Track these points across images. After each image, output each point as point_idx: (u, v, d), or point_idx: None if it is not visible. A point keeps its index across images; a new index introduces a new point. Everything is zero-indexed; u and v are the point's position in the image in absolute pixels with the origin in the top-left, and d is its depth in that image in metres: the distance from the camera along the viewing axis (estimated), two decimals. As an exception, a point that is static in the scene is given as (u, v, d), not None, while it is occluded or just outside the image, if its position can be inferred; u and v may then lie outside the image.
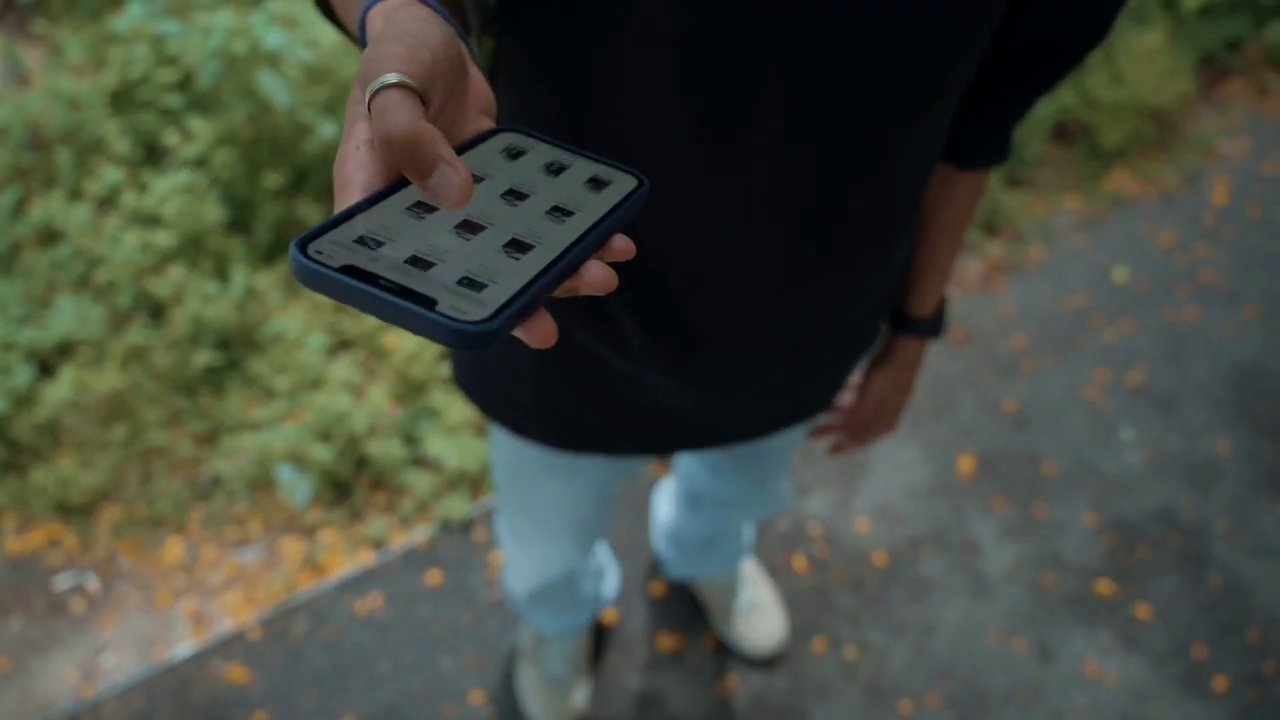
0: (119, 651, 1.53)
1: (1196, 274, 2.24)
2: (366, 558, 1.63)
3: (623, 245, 0.35)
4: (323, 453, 1.65)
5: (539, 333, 0.32)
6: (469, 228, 0.33)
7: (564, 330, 0.72)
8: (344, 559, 1.63)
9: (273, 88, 1.80)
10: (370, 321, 1.84)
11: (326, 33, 1.92)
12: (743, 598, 1.55)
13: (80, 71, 2.02)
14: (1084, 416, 1.94)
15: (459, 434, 1.72)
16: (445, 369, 1.79)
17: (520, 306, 0.30)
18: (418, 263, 0.31)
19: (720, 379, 0.72)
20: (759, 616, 1.55)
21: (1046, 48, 0.63)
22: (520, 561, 1.15)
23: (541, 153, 0.39)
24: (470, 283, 0.31)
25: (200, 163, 1.89)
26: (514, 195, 0.36)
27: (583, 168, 0.39)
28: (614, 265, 0.64)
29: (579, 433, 0.82)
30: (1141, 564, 1.74)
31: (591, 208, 0.36)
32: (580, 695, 1.46)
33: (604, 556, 1.36)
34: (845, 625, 1.62)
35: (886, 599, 1.65)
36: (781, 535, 1.71)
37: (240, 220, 1.93)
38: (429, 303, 0.29)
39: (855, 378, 0.93)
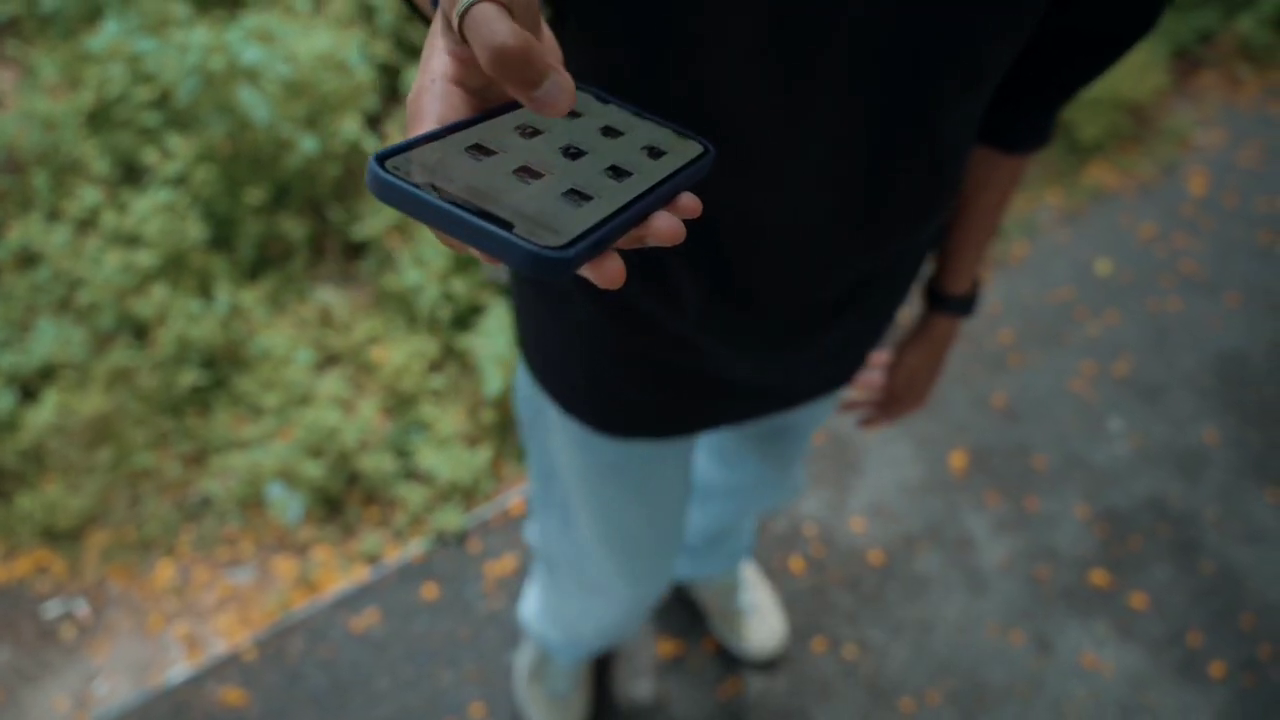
0: (112, 678, 1.51)
1: (1177, 264, 2.26)
2: (361, 574, 1.62)
3: (690, 203, 0.35)
4: (313, 469, 1.64)
5: (608, 271, 0.31)
6: (527, 174, 0.33)
7: (621, 294, 0.72)
8: (338, 576, 1.61)
9: (251, 103, 1.78)
10: (359, 335, 1.82)
11: (304, 47, 1.91)
12: (741, 600, 1.54)
13: (55, 92, 2.00)
14: (1072, 409, 1.95)
15: (450, 446, 1.71)
16: (436, 381, 1.78)
17: (595, 240, 0.31)
18: (494, 191, 0.31)
19: (768, 341, 0.73)
20: (758, 619, 1.55)
21: (1094, 38, 0.64)
22: (567, 608, 1.14)
23: (605, 112, 0.39)
24: (570, 197, 0.31)
25: (180, 181, 1.87)
26: (571, 151, 0.36)
27: (649, 130, 0.39)
28: None
29: (622, 410, 0.82)
30: (1134, 554, 1.75)
31: (658, 167, 0.37)
32: (584, 709, 1.46)
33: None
34: (844, 625, 1.62)
35: (884, 597, 1.66)
36: (777, 537, 1.71)
37: (222, 237, 1.92)
38: (506, 226, 0.29)
39: (884, 355, 0.95)
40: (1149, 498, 1.83)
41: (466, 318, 1.86)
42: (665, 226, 0.33)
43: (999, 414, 1.93)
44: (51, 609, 1.57)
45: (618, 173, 0.35)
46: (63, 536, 1.64)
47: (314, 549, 1.64)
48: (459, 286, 1.81)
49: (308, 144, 1.85)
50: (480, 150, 0.33)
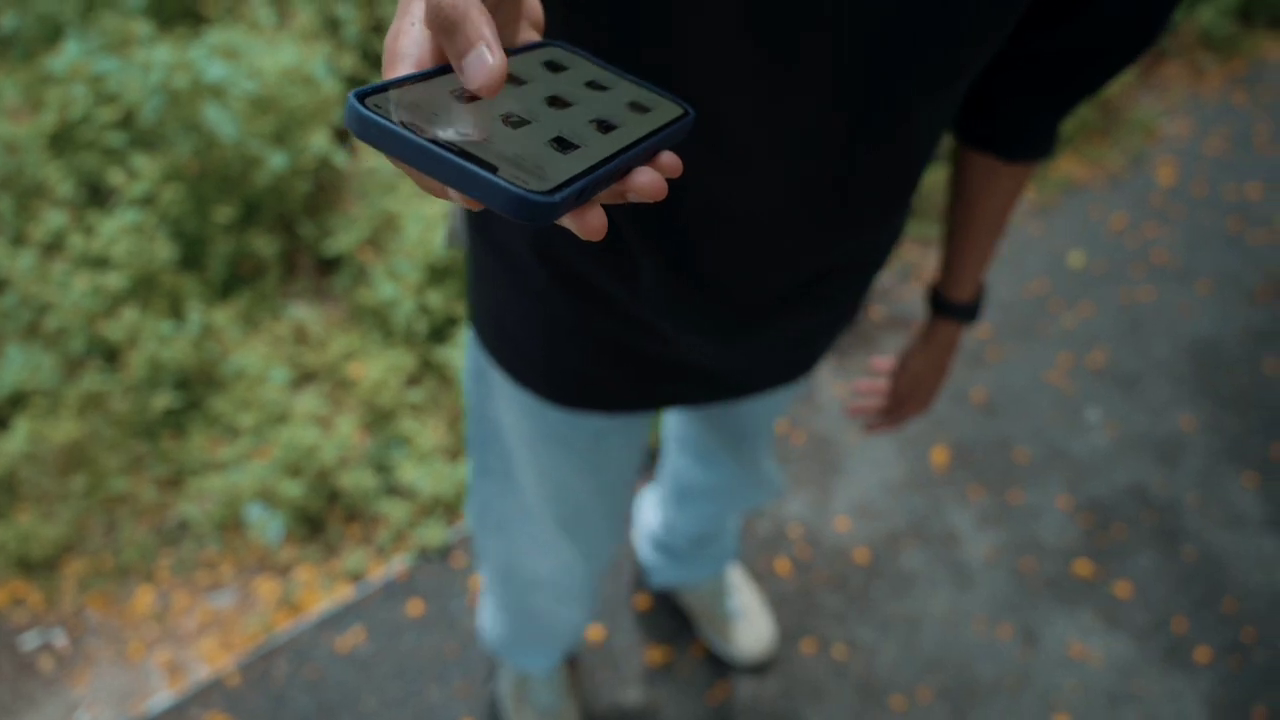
0: (94, 708, 1.48)
1: (1149, 254, 2.28)
2: (344, 592, 1.60)
3: (671, 161, 0.35)
4: (292, 488, 1.62)
5: (591, 221, 0.31)
6: (514, 121, 0.33)
7: (579, 269, 0.72)
8: (321, 595, 1.59)
9: (218, 121, 1.76)
10: (335, 351, 1.80)
11: (270, 62, 1.89)
12: (729, 604, 1.54)
13: (16, 114, 1.97)
14: (1050, 401, 1.97)
15: (431, 460, 1.69)
16: (415, 395, 1.76)
17: (580, 188, 0.30)
18: (477, 134, 0.31)
19: (722, 327, 0.73)
20: (746, 622, 1.54)
21: (1095, 53, 0.64)
22: (504, 583, 1.12)
23: (584, 69, 0.39)
24: (530, 159, 0.31)
25: (147, 201, 1.85)
26: (557, 102, 0.36)
27: (628, 89, 0.39)
28: (641, 203, 0.64)
29: (575, 383, 0.82)
30: (1117, 542, 1.76)
31: (641, 123, 0.36)
32: (576, 715, 1.45)
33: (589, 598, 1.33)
34: (833, 625, 1.62)
35: (871, 595, 1.66)
36: (763, 539, 1.71)
37: (192, 257, 1.89)
38: (490, 168, 0.29)
39: (889, 361, 0.96)
40: (1129, 486, 1.84)
41: (443, 330, 1.84)
42: (647, 181, 0.33)
43: (978, 409, 1.94)
44: (29, 640, 1.54)
45: (602, 126, 0.35)
46: (38, 566, 1.61)
47: (296, 569, 1.62)
48: (434, 299, 1.80)
49: (276, 160, 1.83)
50: (463, 95, 0.32)
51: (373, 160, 2.04)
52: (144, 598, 1.59)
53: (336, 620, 1.56)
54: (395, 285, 1.80)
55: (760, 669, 1.55)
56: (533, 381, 0.83)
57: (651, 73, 0.56)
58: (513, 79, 0.35)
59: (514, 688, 1.43)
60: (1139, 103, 2.67)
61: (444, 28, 0.30)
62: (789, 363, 0.85)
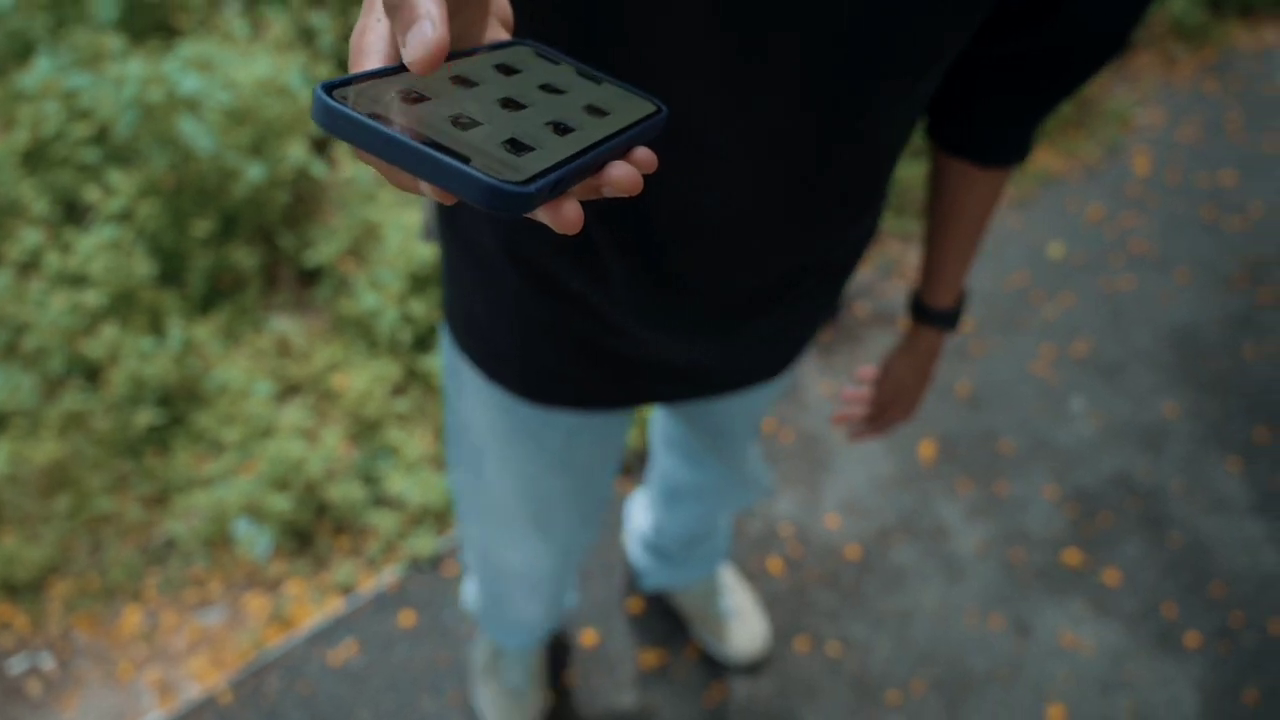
0: (82, 732, 1.47)
1: (1127, 243, 2.30)
2: (335, 605, 1.59)
3: (645, 156, 0.35)
4: (280, 502, 1.61)
5: (566, 214, 0.30)
6: (512, 105, 0.32)
7: (550, 269, 0.71)
8: (312, 609, 1.58)
9: (194, 134, 1.75)
10: (319, 363, 1.79)
11: (244, 73, 1.88)
12: (722, 605, 1.54)
13: (-12, 133, 1.94)
14: (1034, 392, 1.98)
15: (419, 470, 1.68)
16: (400, 405, 1.76)
17: (555, 179, 0.29)
18: (450, 123, 0.30)
19: (693, 327, 0.73)
20: (740, 622, 1.54)
21: (1068, 56, 0.65)
22: (488, 558, 1.12)
23: (562, 67, 0.39)
24: (509, 146, 0.30)
25: (124, 217, 1.83)
26: (551, 89, 0.35)
27: (602, 86, 0.38)
28: (606, 201, 0.64)
29: (548, 380, 0.82)
30: (1104, 531, 1.77)
31: (613, 119, 0.36)
32: (540, 705, 1.45)
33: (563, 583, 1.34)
34: (826, 622, 1.62)
35: (863, 592, 1.66)
36: (754, 539, 1.71)
37: (171, 272, 1.87)
38: (463, 159, 0.28)
39: (872, 369, 0.96)
40: (1115, 474, 1.86)
41: (427, 339, 1.84)
42: (622, 175, 0.33)
43: (964, 402, 1.95)
44: (16, 665, 1.52)
45: (576, 120, 0.34)
46: (23, 589, 1.59)
47: (285, 584, 1.61)
48: (417, 308, 1.79)
49: (254, 172, 1.82)
50: (439, 85, 0.32)
51: (352, 170, 2.03)
52: (132, 617, 1.57)
53: (328, 634, 1.55)
54: (378, 295, 1.79)
55: (755, 668, 1.55)
56: (504, 377, 0.83)
57: (619, 74, 0.56)
58: (484, 74, 0.35)
59: (486, 658, 1.45)
60: (1112, 93, 2.69)
61: (390, 8, 0.29)
62: (764, 360, 0.85)
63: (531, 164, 0.30)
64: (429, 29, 0.29)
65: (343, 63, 2.15)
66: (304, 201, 2.02)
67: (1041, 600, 1.67)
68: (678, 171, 0.60)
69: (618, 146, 0.34)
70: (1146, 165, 2.51)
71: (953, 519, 1.76)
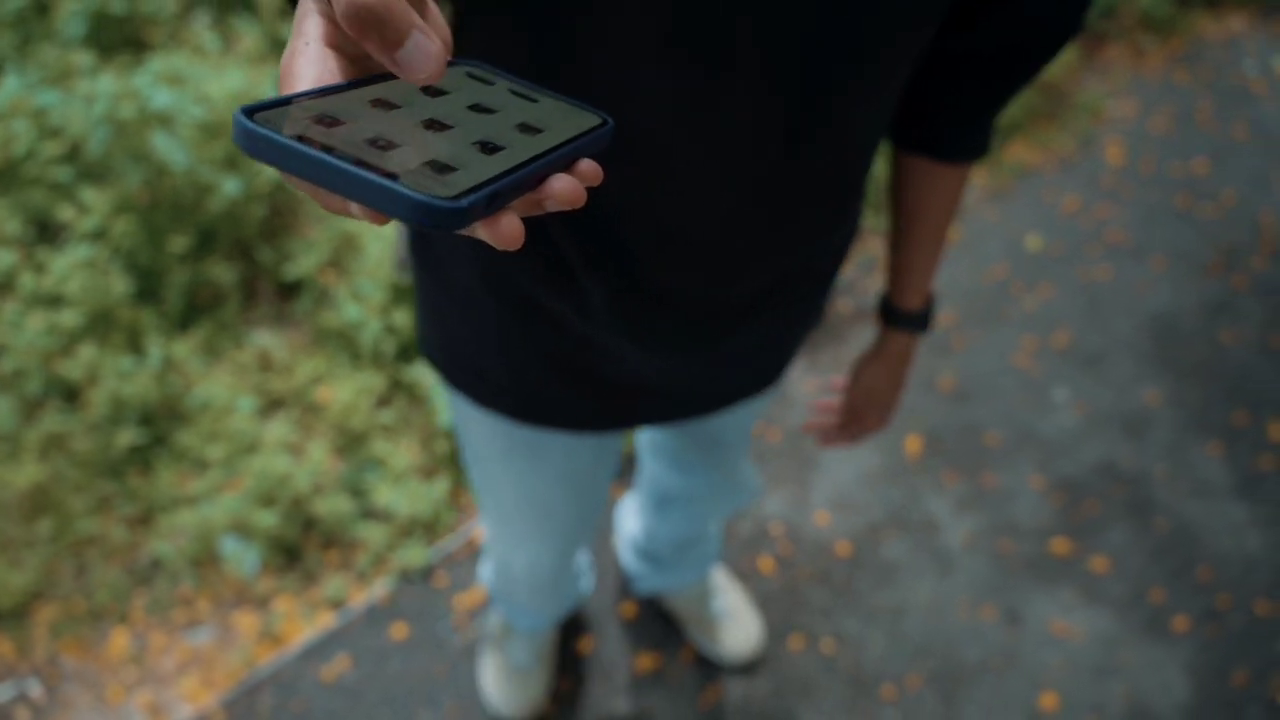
0: (72, 758, 1.44)
1: (1103, 234, 2.32)
2: (326, 620, 1.57)
3: (590, 169, 0.34)
4: (267, 518, 1.59)
5: (505, 229, 0.29)
6: (435, 126, 0.31)
7: (528, 295, 0.71)
8: (303, 625, 1.57)
9: (168, 149, 1.73)
10: (302, 376, 1.78)
11: (217, 87, 1.86)
12: (716, 606, 1.54)
13: (-43, 153, 1.91)
14: (1017, 383, 1.99)
15: (407, 481, 1.67)
16: (386, 416, 1.74)
17: (490, 193, 0.28)
18: (377, 143, 0.29)
19: (681, 343, 0.72)
20: (734, 623, 1.54)
21: (1019, 48, 0.65)
22: (500, 552, 1.13)
23: (506, 84, 0.38)
24: (436, 166, 0.29)
25: (99, 235, 1.81)
26: (480, 109, 0.34)
27: (545, 101, 0.38)
28: (579, 222, 0.63)
29: (545, 405, 0.81)
30: (1091, 519, 1.79)
31: (553, 133, 0.35)
32: (543, 684, 1.46)
33: (583, 557, 1.35)
34: (819, 619, 1.62)
35: (855, 588, 1.67)
36: (745, 539, 1.71)
37: (148, 289, 1.85)
38: (390, 176, 0.27)
39: (843, 376, 0.94)
40: (1099, 463, 1.87)
41: (411, 349, 1.83)
42: (564, 188, 0.31)
43: (948, 396, 1.96)
44: (2, 693, 1.50)
45: (517, 133, 0.34)
46: (7, 615, 1.56)
47: (275, 600, 1.60)
48: (400, 319, 1.78)
49: (230, 186, 1.80)
50: (369, 106, 0.31)
51: (329, 181, 2.01)
52: (119, 640, 1.55)
53: (320, 649, 1.53)
54: (359, 307, 1.78)
55: (750, 668, 1.55)
56: (497, 403, 0.83)
57: (575, 90, 0.55)
58: (409, 96, 0.34)
59: (498, 632, 1.46)
60: (1084, 86, 2.72)
61: (368, 23, 0.28)
62: (753, 373, 0.84)
63: (467, 178, 0.29)
64: (425, 41, 0.29)
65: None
66: (281, 214, 2.00)
67: (1031, 590, 1.68)
68: (645, 186, 0.60)
69: (559, 160, 0.33)
70: (1120, 156, 2.53)
71: (941, 512, 1.77)
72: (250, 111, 0.28)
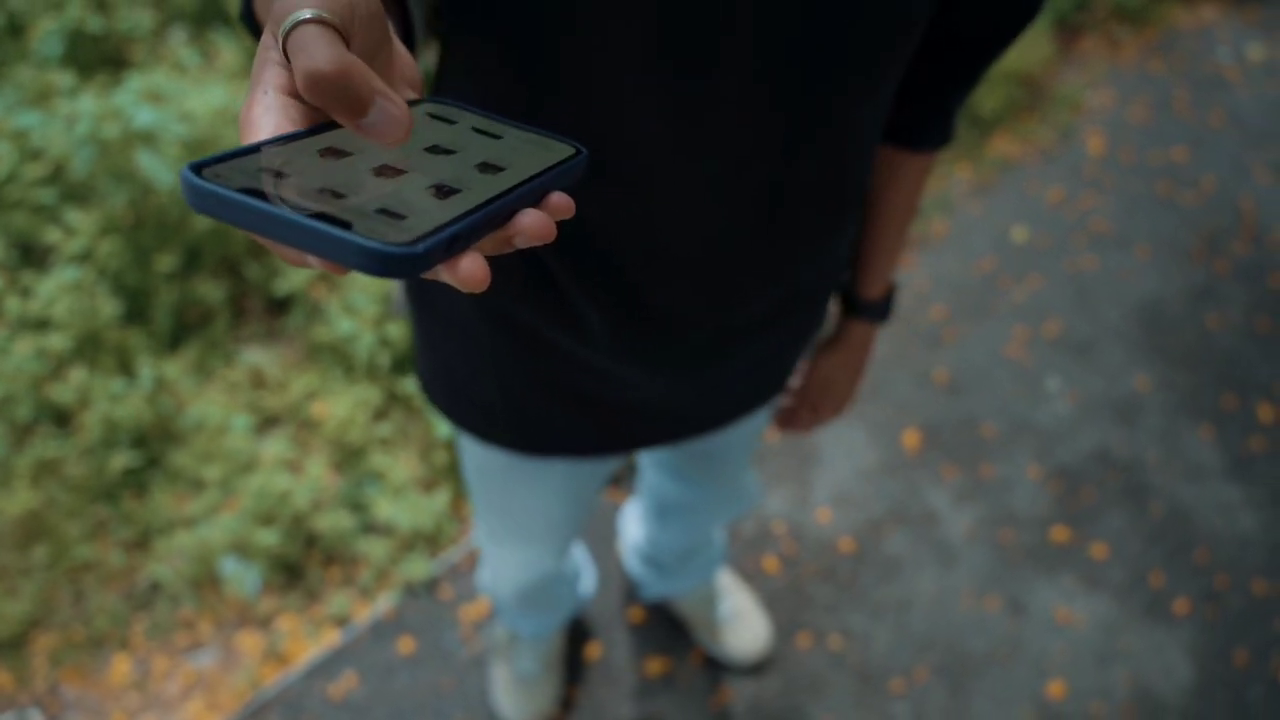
0: (78, 788, 1.42)
1: (1087, 224, 2.35)
2: (331, 638, 1.56)
3: (561, 201, 0.33)
4: (266, 537, 1.58)
5: (466, 270, 0.28)
6: (389, 172, 0.30)
7: (527, 324, 0.70)
8: (307, 644, 1.55)
9: (153, 167, 1.71)
10: (296, 392, 1.76)
11: (199, 103, 1.85)
12: (723, 608, 1.54)
13: (-65, 178, 1.89)
14: (1010, 375, 2.01)
15: (407, 494, 1.66)
16: (383, 429, 1.73)
17: (448, 236, 0.28)
18: (331, 192, 0.28)
19: (684, 363, 0.72)
20: (741, 624, 1.54)
21: (981, 34, 0.65)
22: (495, 561, 1.12)
23: (470, 120, 0.37)
24: (391, 212, 0.28)
25: (85, 257, 1.78)
26: (439, 150, 0.33)
27: (515, 136, 0.37)
28: (573, 249, 0.63)
29: (547, 434, 0.81)
30: (1088, 506, 1.80)
31: (522, 167, 0.34)
32: (552, 693, 1.45)
33: (579, 556, 1.35)
34: (825, 616, 1.62)
35: (860, 583, 1.67)
36: (748, 539, 1.71)
37: (136, 310, 1.83)
38: (343, 225, 0.26)
39: (804, 361, 0.94)
40: (1094, 450, 1.89)
41: (405, 362, 1.82)
42: (532, 224, 0.31)
43: (942, 389, 1.97)
44: (1, 725, 1.48)
45: (483, 171, 0.33)
46: (5, 645, 1.54)
47: (278, 619, 1.58)
48: (394, 331, 1.77)
49: (217, 203, 1.78)
50: (319, 156, 0.30)
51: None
52: (121, 666, 1.53)
53: (326, 667, 1.52)
54: (353, 320, 1.76)
55: (759, 668, 1.55)
56: (498, 436, 0.82)
57: (559, 121, 0.54)
58: (359, 142, 0.33)
59: (504, 641, 1.46)
60: (1062, 78, 2.74)
61: (328, 92, 0.28)
62: (758, 387, 0.84)
63: (418, 225, 0.28)
64: (391, 107, 0.29)
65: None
66: (269, 230, 1.99)
67: (1033, 578, 1.69)
68: (638, 210, 0.59)
69: (527, 195, 0.32)
70: (1100, 146, 2.56)
71: (941, 505, 1.78)
72: (200, 166, 0.27)
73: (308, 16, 0.29)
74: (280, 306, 1.95)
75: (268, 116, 0.30)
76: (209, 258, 1.90)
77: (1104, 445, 1.90)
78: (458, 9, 0.53)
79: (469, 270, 0.28)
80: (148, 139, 1.77)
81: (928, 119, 0.72)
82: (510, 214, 0.31)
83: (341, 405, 1.72)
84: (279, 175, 0.28)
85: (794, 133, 0.57)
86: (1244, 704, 1.57)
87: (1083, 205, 2.39)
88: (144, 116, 1.74)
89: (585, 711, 1.50)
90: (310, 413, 1.75)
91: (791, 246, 0.66)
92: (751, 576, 1.66)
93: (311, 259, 0.28)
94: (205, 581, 1.60)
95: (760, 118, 0.56)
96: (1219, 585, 1.71)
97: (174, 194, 1.79)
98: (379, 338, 1.77)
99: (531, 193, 0.32)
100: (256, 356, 1.84)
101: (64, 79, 1.91)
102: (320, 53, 0.28)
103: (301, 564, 1.63)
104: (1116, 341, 2.08)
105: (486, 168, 0.33)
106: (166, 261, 1.80)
